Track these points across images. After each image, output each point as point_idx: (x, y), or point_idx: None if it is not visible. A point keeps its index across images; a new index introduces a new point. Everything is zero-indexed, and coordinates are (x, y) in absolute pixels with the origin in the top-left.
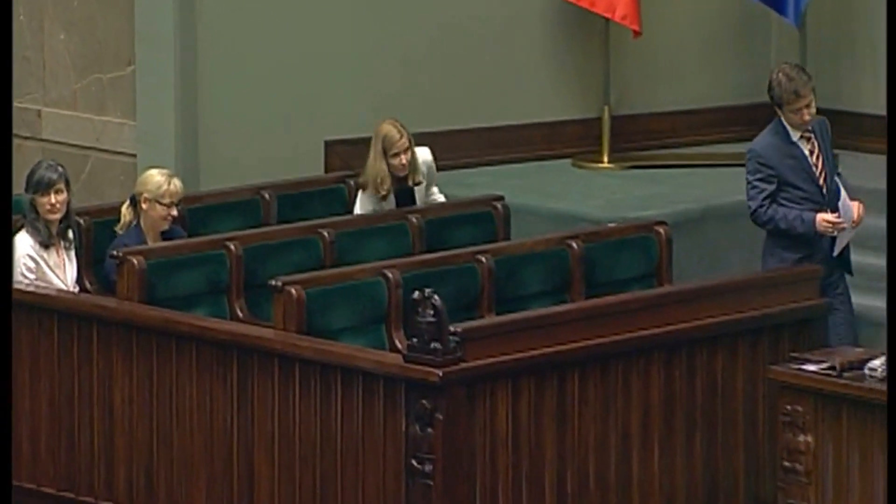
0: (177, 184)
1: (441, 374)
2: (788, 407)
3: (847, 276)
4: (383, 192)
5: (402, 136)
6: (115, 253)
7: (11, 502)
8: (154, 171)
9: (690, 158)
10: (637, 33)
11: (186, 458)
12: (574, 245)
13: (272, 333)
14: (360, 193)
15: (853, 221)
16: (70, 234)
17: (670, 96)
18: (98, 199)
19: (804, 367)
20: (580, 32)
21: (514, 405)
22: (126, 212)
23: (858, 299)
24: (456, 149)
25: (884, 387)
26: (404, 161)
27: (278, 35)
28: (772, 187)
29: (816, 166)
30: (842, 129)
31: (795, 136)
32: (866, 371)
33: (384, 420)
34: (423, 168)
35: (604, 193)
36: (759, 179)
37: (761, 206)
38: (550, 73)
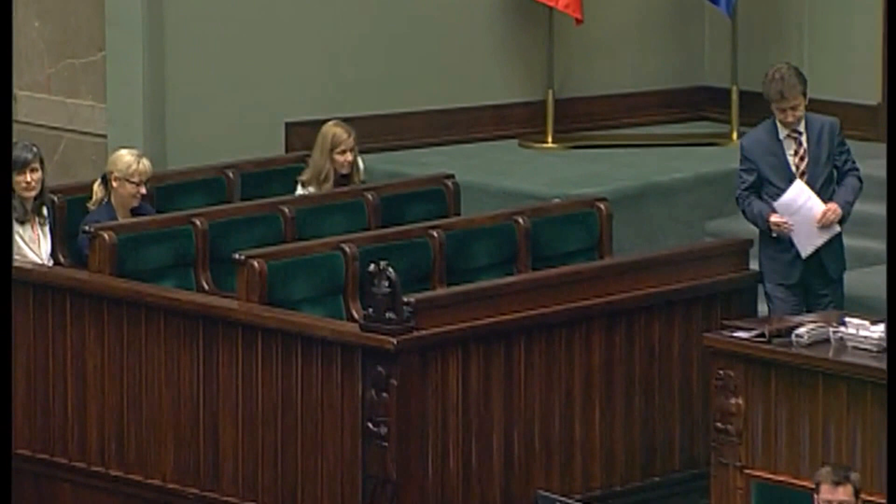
0: (145, 163)
1: (395, 342)
2: (721, 372)
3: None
4: (324, 190)
5: (349, 136)
6: (86, 228)
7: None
8: (124, 152)
9: (629, 139)
10: (579, 21)
11: (155, 421)
12: (520, 220)
13: (236, 304)
14: (299, 188)
15: (817, 222)
16: (44, 210)
17: (610, 80)
18: (70, 178)
19: (736, 334)
20: (525, 20)
21: (464, 371)
22: (97, 189)
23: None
24: (409, 130)
25: (810, 352)
26: (349, 158)
27: (242, 23)
28: (752, 178)
29: (797, 167)
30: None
31: (783, 133)
32: (793, 338)
33: (342, 385)
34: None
35: (548, 172)
36: (743, 170)
37: (740, 195)
38: (498, 59)
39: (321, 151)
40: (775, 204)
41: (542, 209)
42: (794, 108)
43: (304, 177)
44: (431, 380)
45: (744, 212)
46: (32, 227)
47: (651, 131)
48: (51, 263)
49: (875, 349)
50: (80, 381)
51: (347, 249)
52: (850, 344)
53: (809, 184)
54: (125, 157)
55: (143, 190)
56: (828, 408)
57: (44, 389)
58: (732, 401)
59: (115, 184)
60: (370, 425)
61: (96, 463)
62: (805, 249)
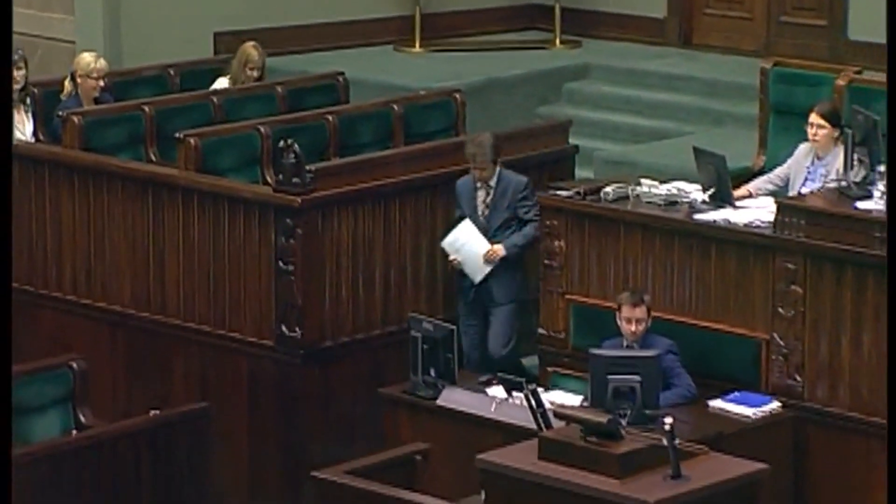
0: (102, 63)
1: (300, 200)
2: (548, 222)
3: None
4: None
5: (259, 57)
6: (60, 114)
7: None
8: (86, 54)
9: (478, 44)
10: None
11: (115, 262)
12: (395, 107)
13: (177, 172)
14: (218, 79)
15: (482, 258)
16: (27, 100)
17: None
18: (47, 75)
19: (558, 193)
20: None
21: (354, 223)
22: (67, 85)
23: None
24: (310, 38)
25: (614, 206)
26: (256, 75)
27: None
28: (458, 213)
29: (483, 211)
30: (582, 21)
31: (480, 183)
32: (602, 195)
33: (259, 234)
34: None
35: (416, 70)
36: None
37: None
38: None
39: (238, 64)
40: (444, 243)
41: (411, 98)
42: (481, 169)
43: (226, 76)
44: (328, 230)
45: None
46: (18, 113)
47: (495, 38)
48: (33, 141)
49: (662, 202)
50: (56, 231)
51: (263, 130)
52: (644, 199)
53: (489, 225)
54: (86, 58)
55: (102, 83)
56: (627, 248)
57: (28, 238)
58: (556, 244)
59: (79, 80)
60: (281, 264)
61: (70, 293)
62: (475, 277)
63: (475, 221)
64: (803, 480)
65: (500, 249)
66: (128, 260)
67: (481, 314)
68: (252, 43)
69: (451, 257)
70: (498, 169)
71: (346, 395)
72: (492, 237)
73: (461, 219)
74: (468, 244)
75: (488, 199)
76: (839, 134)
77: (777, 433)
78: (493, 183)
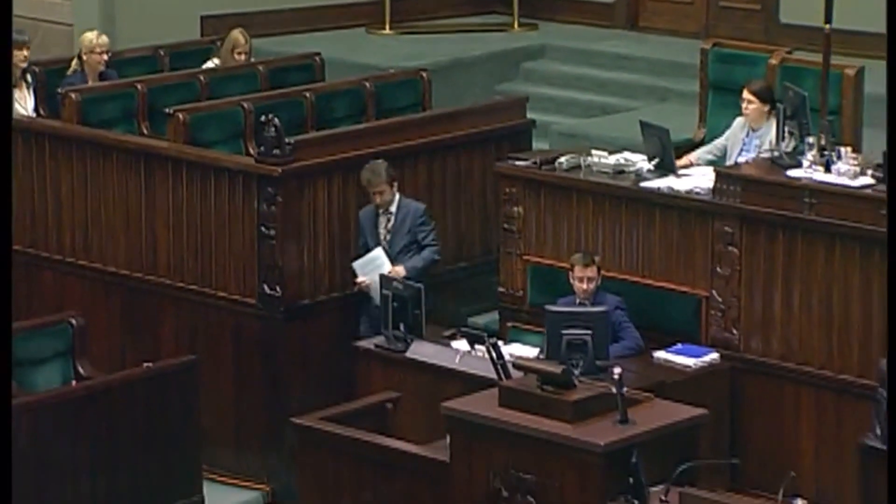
0: (104, 38)
1: (280, 170)
2: (507, 189)
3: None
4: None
5: (245, 42)
6: (60, 91)
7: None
8: (88, 33)
9: (443, 27)
10: None
11: (110, 227)
12: (367, 85)
13: (167, 145)
14: (206, 63)
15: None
16: (29, 77)
17: None
18: (46, 55)
19: (517, 163)
20: None
21: (329, 191)
22: (75, 63)
23: None
24: (287, 21)
25: (568, 174)
26: (243, 58)
27: None
28: (361, 241)
29: (385, 237)
30: (538, 6)
31: (381, 210)
32: (556, 165)
33: (243, 201)
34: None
35: (387, 51)
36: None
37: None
38: None
39: (226, 49)
40: (354, 264)
41: (382, 77)
42: (380, 193)
43: (215, 59)
44: (306, 197)
45: None
46: (20, 90)
47: (458, 22)
48: (34, 116)
49: (611, 171)
50: (56, 198)
51: (246, 106)
52: (595, 168)
53: (391, 249)
54: (88, 35)
55: (106, 57)
56: (580, 213)
57: (31, 205)
58: (515, 209)
59: (85, 57)
60: (263, 229)
61: (69, 256)
62: (377, 298)
63: (376, 245)
64: (739, 424)
65: (401, 271)
66: (122, 225)
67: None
68: (239, 29)
69: (360, 279)
70: (397, 196)
71: (323, 348)
72: (393, 260)
73: (365, 246)
74: (377, 265)
75: (389, 225)
76: (770, 108)
77: (715, 381)
78: (393, 209)
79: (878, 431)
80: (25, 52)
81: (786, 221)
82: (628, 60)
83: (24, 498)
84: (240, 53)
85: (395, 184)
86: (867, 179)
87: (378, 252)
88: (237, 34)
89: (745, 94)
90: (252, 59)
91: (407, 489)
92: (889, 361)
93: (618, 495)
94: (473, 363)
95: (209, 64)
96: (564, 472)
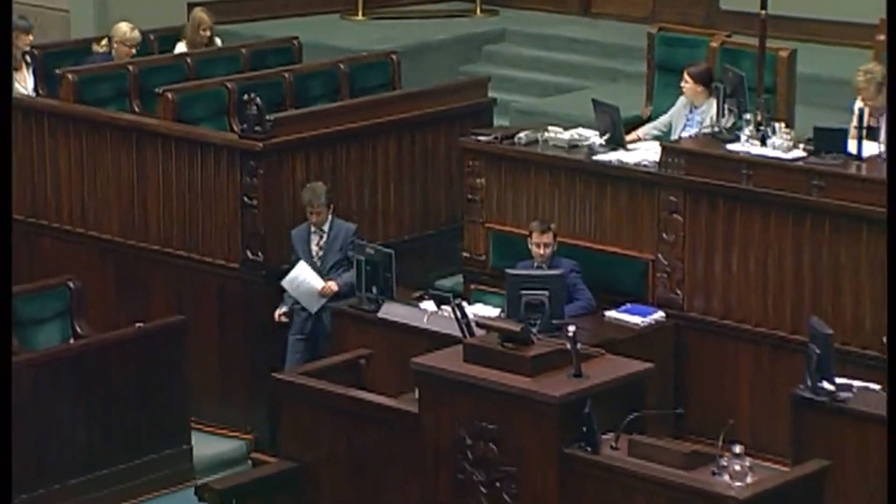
0: (136, 33)
1: (262, 145)
2: (471, 162)
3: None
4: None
5: (209, 19)
6: (57, 72)
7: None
8: (123, 24)
9: (412, 13)
10: None
11: (105, 198)
12: (342, 66)
13: (157, 122)
14: (177, 44)
15: (318, 293)
16: (28, 59)
17: None
18: (45, 39)
19: (479, 138)
20: None
21: (306, 165)
22: (105, 42)
23: None
24: (268, 8)
25: (527, 149)
26: (207, 36)
27: None
28: (293, 257)
29: (317, 253)
30: None
31: (313, 229)
32: (515, 140)
33: (227, 174)
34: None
35: (359, 35)
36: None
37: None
38: None
39: (192, 28)
40: (283, 282)
41: (355, 59)
42: (317, 214)
43: (182, 45)
44: (285, 170)
45: None
46: (20, 71)
47: (425, 8)
48: (34, 95)
49: (566, 146)
50: (55, 171)
51: (230, 86)
52: (551, 143)
53: (323, 266)
54: (122, 27)
55: (133, 51)
56: (538, 184)
57: (31, 177)
58: (477, 181)
59: (115, 45)
60: (245, 199)
61: (67, 224)
62: (312, 308)
63: (310, 263)
64: (682, 377)
65: (333, 286)
66: (115, 195)
67: (312, 340)
68: (201, 7)
69: (281, 310)
70: (331, 217)
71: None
72: (325, 276)
73: (298, 260)
74: (306, 281)
75: (322, 243)
76: (706, 89)
77: (661, 338)
78: (325, 228)
79: (809, 383)
80: (31, 38)
81: (725, 191)
82: (581, 44)
83: (25, 447)
84: (204, 30)
85: (332, 206)
86: (799, 153)
87: (302, 267)
88: (200, 13)
89: (684, 76)
90: (214, 36)
91: (379, 438)
92: (889, 346)
93: (572, 443)
94: (440, 322)
95: (179, 48)
96: (524, 421)
